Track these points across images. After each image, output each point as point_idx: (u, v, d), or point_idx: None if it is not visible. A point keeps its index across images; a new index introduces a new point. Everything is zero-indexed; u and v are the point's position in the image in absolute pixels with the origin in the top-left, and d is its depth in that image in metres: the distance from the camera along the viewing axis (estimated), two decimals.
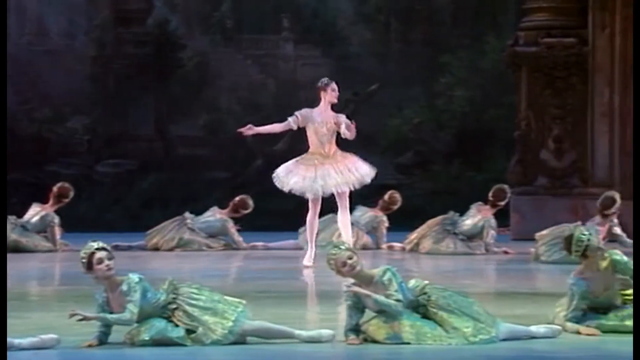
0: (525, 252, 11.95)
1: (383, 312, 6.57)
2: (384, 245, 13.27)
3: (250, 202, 13.24)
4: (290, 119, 10.80)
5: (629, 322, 6.85)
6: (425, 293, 6.64)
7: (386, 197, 13.44)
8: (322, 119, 10.70)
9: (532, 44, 14.63)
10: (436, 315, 6.57)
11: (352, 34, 17.17)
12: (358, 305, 6.59)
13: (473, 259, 12.18)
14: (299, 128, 10.95)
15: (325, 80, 10.79)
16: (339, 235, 13.23)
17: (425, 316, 6.60)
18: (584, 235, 6.88)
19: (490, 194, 12.63)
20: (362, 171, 10.86)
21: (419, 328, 6.50)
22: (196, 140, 17.06)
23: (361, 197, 15.05)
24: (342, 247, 6.65)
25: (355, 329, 6.59)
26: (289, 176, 10.98)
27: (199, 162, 16.88)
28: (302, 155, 10.98)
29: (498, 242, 12.68)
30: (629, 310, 6.90)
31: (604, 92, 14.45)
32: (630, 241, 11.20)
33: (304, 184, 10.79)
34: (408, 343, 6.46)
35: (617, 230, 11.39)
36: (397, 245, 13.14)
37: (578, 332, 6.78)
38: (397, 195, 13.37)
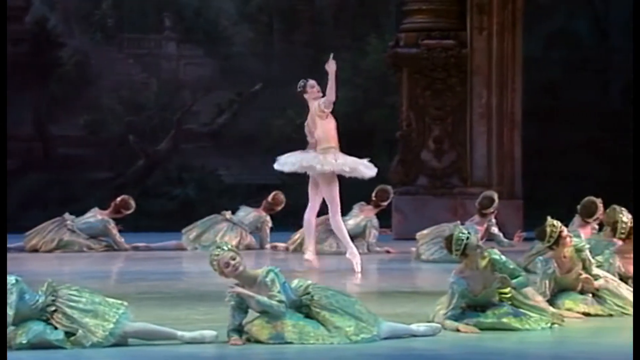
0: (407, 252, 12.10)
1: (266, 313, 6.58)
2: (268, 246, 13.29)
3: (132, 203, 13.10)
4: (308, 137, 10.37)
5: (506, 320, 7.01)
6: (308, 293, 6.68)
7: (270, 197, 13.46)
8: (314, 120, 10.32)
9: (412, 45, 14.82)
10: (319, 314, 6.61)
11: (235, 33, 17.14)
12: (241, 306, 6.59)
13: None
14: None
15: (301, 82, 10.40)
16: (223, 235, 13.22)
17: (308, 316, 6.63)
18: (463, 234, 7.02)
19: (373, 194, 12.75)
20: (365, 164, 10.26)
21: (301, 328, 6.54)
22: (77, 140, 16.80)
23: (245, 197, 15.08)
24: (225, 248, 6.64)
25: (239, 329, 6.58)
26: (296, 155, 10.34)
27: (79, 162, 16.63)
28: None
29: (380, 242, 12.81)
30: (506, 308, 7.06)
31: (482, 94, 14.73)
32: (507, 241, 11.45)
33: (303, 162, 10.19)
34: (291, 343, 6.49)
35: (495, 229, 11.62)
36: (280, 245, 13.17)
37: (457, 330, 6.91)
38: (281, 196, 13.40)
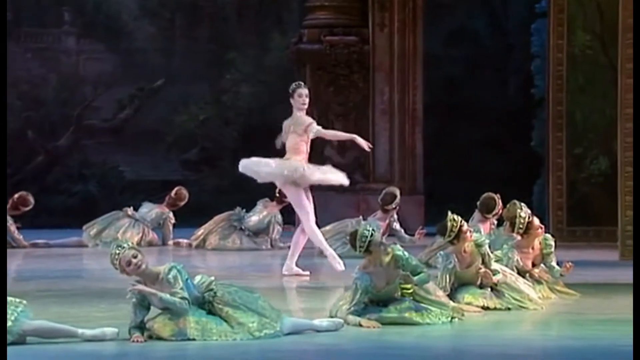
0: (310, 247, 12.13)
1: (169, 310, 6.54)
2: (171, 242, 13.21)
3: (31, 199, 12.90)
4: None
5: (408, 314, 7.08)
6: (211, 289, 6.66)
7: (173, 193, 13.38)
8: (291, 129, 9.74)
9: (315, 41, 14.89)
10: (222, 311, 6.60)
11: (136, 28, 16.98)
12: (143, 303, 6.54)
13: (259, 254, 12.28)
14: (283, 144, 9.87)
15: (293, 85, 9.90)
16: (125, 232, 13.09)
17: (211, 312, 6.62)
18: (367, 231, 7.07)
19: (277, 190, 12.77)
20: (329, 173, 9.81)
21: (204, 324, 6.52)
22: None
23: (147, 193, 14.95)
24: (126, 246, 6.58)
25: (140, 327, 6.53)
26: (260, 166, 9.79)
27: None
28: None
29: (284, 238, 12.84)
30: (408, 303, 7.14)
31: (384, 90, 14.87)
32: (408, 237, 11.57)
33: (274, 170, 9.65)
34: (194, 339, 6.46)
35: (397, 225, 11.73)
36: (183, 241, 13.10)
37: (360, 325, 6.96)
38: (184, 192, 13.33)
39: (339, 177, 9.89)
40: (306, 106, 9.86)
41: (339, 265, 9.73)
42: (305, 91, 9.84)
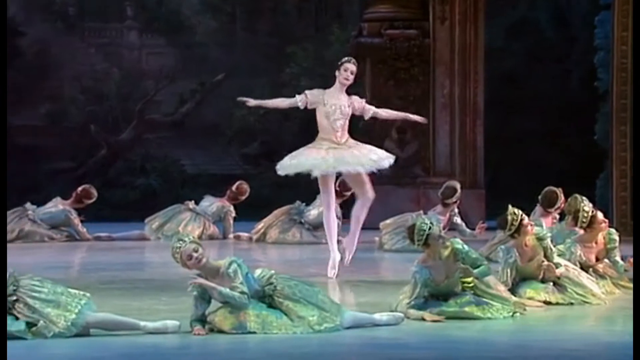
0: (370, 241, 12.13)
1: (229, 303, 6.58)
2: (231, 236, 13.28)
3: (94, 192, 13.03)
4: (298, 96, 9.40)
5: (468, 309, 7.05)
6: (271, 283, 6.68)
7: (234, 187, 13.44)
8: (334, 102, 9.34)
9: (375, 35, 14.85)
10: (282, 304, 6.61)
11: (197, 23, 17.08)
12: (204, 296, 6.58)
13: (319, 248, 12.29)
14: (306, 108, 9.44)
15: (344, 58, 9.48)
16: (186, 225, 13.18)
17: (272, 306, 6.64)
18: (425, 225, 7.04)
19: (336, 184, 12.77)
20: (379, 153, 9.44)
21: (264, 317, 6.54)
22: (37, 130, 16.70)
23: (208, 187, 15.04)
24: (187, 240, 6.62)
25: (201, 320, 6.57)
26: (294, 158, 9.38)
27: (40, 152, 16.53)
28: (310, 144, 9.56)
29: (343, 232, 12.83)
30: (468, 297, 7.10)
31: (444, 84, 14.79)
32: (469, 231, 11.51)
33: (313, 161, 9.25)
34: (254, 332, 6.49)
35: (457, 219, 11.67)
36: (244, 235, 13.16)
37: (422, 319, 6.94)
38: (245, 186, 13.38)
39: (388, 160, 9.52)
40: (349, 82, 9.39)
41: (333, 271, 9.28)
42: (352, 67, 9.37)
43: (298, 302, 6.61)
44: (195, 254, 6.55)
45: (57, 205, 13.02)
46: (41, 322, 6.30)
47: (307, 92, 9.49)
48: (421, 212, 11.66)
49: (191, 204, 13.35)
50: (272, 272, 6.76)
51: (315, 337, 6.43)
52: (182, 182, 16.72)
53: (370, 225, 13.39)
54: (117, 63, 16.97)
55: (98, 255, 11.64)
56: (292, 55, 17.18)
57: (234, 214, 13.31)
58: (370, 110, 9.57)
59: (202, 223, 13.15)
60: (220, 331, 6.52)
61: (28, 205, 13.05)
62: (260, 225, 12.94)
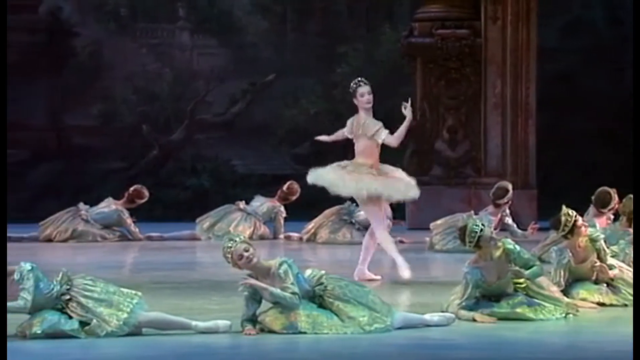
0: (421, 242, 12.09)
1: (280, 303, 6.58)
2: (282, 236, 13.30)
3: (146, 192, 13.11)
4: (346, 128, 9.34)
5: (520, 310, 6.99)
6: (321, 283, 6.67)
7: (285, 187, 13.45)
8: (360, 132, 9.21)
9: (426, 35, 14.79)
10: (332, 304, 6.61)
11: (248, 23, 17.13)
12: (255, 296, 6.59)
13: None
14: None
15: (353, 85, 9.31)
16: (237, 225, 13.21)
17: (322, 306, 6.63)
18: (477, 226, 7.00)
19: (285, 186, 12.79)
20: (407, 182, 9.19)
21: (315, 318, 6.54)
22: (90, 130, 16.84)
23: (259, 187, 15.07)
24: (238, 240, 6.63)
25: (252, 320, 6.58)
26: (329, 172, 9.33)
27: (93, 152, 16.66)
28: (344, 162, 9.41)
29: (393, 232, 12.79)
30: (520, 297, 7.05)
31: (496, 83, 14.70)
32: (520, 231, 11.42)
33: (344, 183, 9.15)
34: (305, 333, 6.49)
35: (509, 220, 11.60)
36: (294, 235, 13.17)
37: (473, 320, 6.90)
38: (296, 186, 13.39)
39: (412, 193, 9.26)
40: (371, 105, 9.23)
41: (407, 272, 9.14)
42: (366, 89, 9.20)
43: (348, 303, 6.60)
44: (246, 254, 6.56)
45: (109, 205, 13.12)
46: (94, 321, 6.34)
47: (348, 122, 9.38)
48: (472, 212, 11.60)
49: (242, 204, 13.39)
50: (323, 272, 6.75)
51: (366, 338, 6.41)
52: (233, 182, 16.77)
53: (421, 225, 13.38)
54: (168, 63, 17.06)
55: (150, 255, 11.71)
56: (342, 55, 17.16)
57: (284, 214, 13.32)
58: (382, 136, 9.31)
59: (253, 223, 13.18)
60: (271, 331, 6.52)
61: (81, 205, 13.16)
62: (311, 225, 12.94)
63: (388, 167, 9.34)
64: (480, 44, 14.67)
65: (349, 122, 9.42)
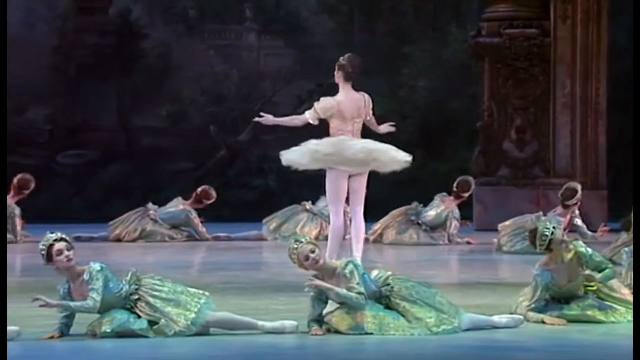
0: (488, 243, 12.01)
1: (346, 304, 6.57)
2: (348, 236, 13.27)
3: (213, 193, 13.19)
4: (307, 112, 9.14)
5: (590, 312, 6.90)
6: (388, 284, 6.65)
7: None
8: (358, 113, 9.02)
9: (494, 34, 14.69)
10: (399, 305, 6.58)
11: (315, 24, 17.16)
12: (321, 297, 6.58)
13: (436, 249, 12.22)
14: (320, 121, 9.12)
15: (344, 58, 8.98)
16: (303, 226, 13.23)
17: (388, 307, 6.60)
18: (548, 229, 6.92)
19: (454, 185, 12.67)
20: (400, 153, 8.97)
21: (381, 318, 6.51)
22: (159, 131, 16.99)
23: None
24: (304, 240, 6.63)
25: (319, 320, 6.58)
26: (305, 150, 9.12)
27: (161, 153, 16.81)
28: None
29: (461, 233, 12.72)
30: (591, 300, 6.95)
31: (565, 83, 14.54)
32: (590, 233, 11.28)
33: (332, 156, 8.87)
34: (371, 333, 6.47)
35: (578, 221, 11.46)
36: None
37: (542, 322, 6.82)
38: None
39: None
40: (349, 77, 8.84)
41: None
42: (344, 60, 8.88)
43: (415, 304, 6.56)
44: (312, 255, 6.56)
45: (177, 206, 13.22)
46: (162, 320, 6.39)
47: (315, 104, 9.06)
48: (540, 213, 11.48)
49: (308, 205, 13.40)
50: (389, 273, 6.72)
51: (433, 339, 6.37)
52: (300, 182, 16.79)
53: (488, 226, 13.28)
54: (236, 64, 17.16)
55: (217, 255, 11.77)
56: (409, 56, 17.11)
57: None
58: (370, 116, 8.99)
59: (319, 224, 13.19)
60: (337, 332, 6.51)
61: (150, 205, 13.27)
62: (377, 226, 12.91)
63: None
64: (550, 44, 14.53)
65: (324, 103, 9.05)
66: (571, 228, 11.38)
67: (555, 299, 6.98)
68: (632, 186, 8.34)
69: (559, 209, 11.53)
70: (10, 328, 6.26)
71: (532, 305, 6.92)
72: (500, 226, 11.86)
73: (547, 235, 6.89)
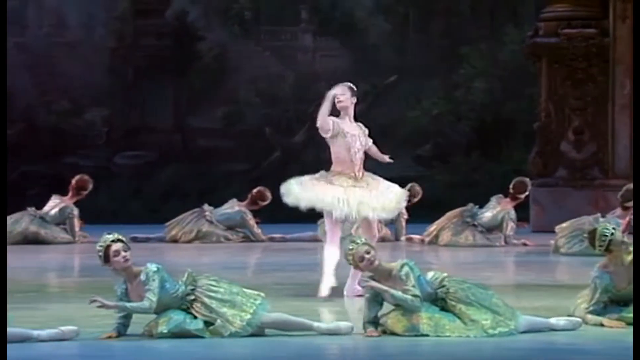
0: (545, 244, 11.90)
1: (402, 305, 6.54)
2: (403, 238, 13.24)
3: (269, 194, 13.22)
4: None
5: None
6: (444, 285, 6.61)
7: (407, 189, 13.38)
8: (353, 133, 8.91)
9: (552, 35, 14.56)
10: (455, 307, 6.54)
11: (370, 25, 17.14)
12: (377, 298, 6.57)
13: (492, 251, 12.14)
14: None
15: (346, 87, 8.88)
16: (358, 228, 13.22)
17: (444, 308, 6.57)
18: (607, 230, 6.84)
19: (510, 186, 12.58)
20: (395, 191, 8.94)
21: (437, 320, 6.48)
22: (215, 132, 17.08)
23: None
24: (360, 242, 6.62)
25: (374, 322, 6.56)
26: (307, 190, 9.03)
27: (217, 154, 16.89)
28: (322, 173, 9.17)
29: (517, 235, 12.62)
30: None
31: (624, 83, 14.37)
32: None
33: (332, 200, 8.72)
34: (427, 335, 6.43)
35: None
36: (416, 237, 13.10)
37: (601, 324, 6.74)
38: (418, 188, 13.32)
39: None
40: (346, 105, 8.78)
41: (325, 292, 8.17)
42: (341, 89, 8.69)
43: (471, 305, 6.52)
44: (367, 256, 6.55)
45: (233, 207, 13.27)
46: (218, 321, 6.41)
47: (331, 118, 8.73)
48: (599, 215, 11.36)
49: None
50: (445, 274, 6.69)
51: (489, 341, 6.32)
52: None
53: (545, 228, 13.17)
54: (291, 66, 17.18)
55: (272, 256, 11.80)
56: (465, 56, 17.02)
57: (406, 216, 13.26)
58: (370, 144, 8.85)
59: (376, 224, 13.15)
60: (393, 333, 6.49)
61: (206, 206, 13.34)
62: (433, 227, 12.86)
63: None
64: (608, 44, 14.36)
65: (336, 120, 8.88)
66: (630, 230, 11.24)
67: (614, 302, 6.89)
68: (632, 185, 8.21)
69: (618, 211, 11.40)
70: (69, 328, 6.32)
71: (591, 308, 6.84)
72: (557, 228, 11.75)
73: (607, 236, 6.81)
